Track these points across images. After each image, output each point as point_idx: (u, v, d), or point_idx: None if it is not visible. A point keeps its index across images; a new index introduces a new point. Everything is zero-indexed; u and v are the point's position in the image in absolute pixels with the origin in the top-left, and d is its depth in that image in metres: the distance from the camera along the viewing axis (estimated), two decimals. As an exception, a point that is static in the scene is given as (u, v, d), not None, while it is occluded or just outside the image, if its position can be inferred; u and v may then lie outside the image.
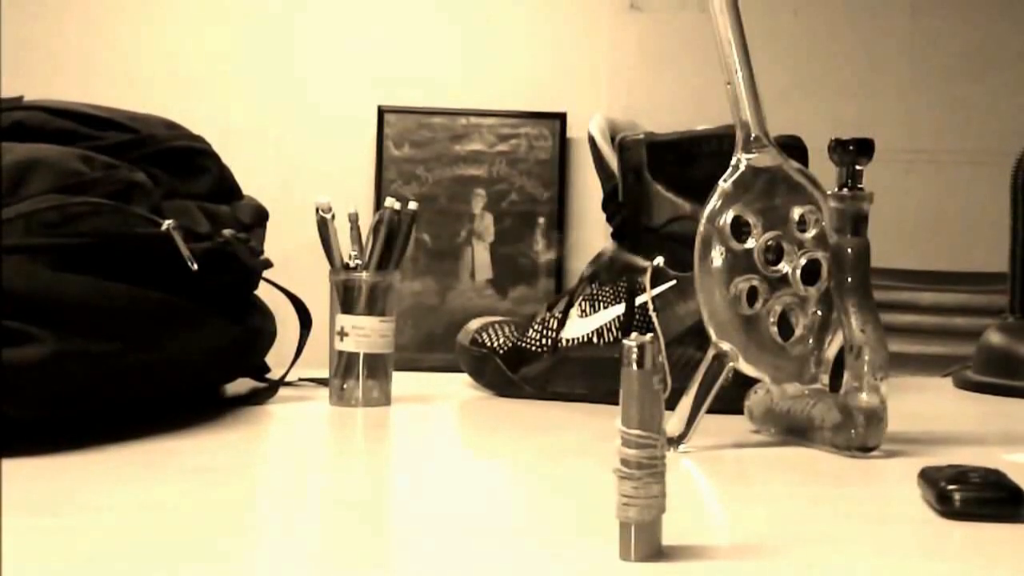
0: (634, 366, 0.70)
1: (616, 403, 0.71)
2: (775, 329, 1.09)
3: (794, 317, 1.10)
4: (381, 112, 3.22)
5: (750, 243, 1.09)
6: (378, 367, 1.28)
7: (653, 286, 1.28)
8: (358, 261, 1.29)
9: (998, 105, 3.23)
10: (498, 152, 3.22)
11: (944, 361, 2.22)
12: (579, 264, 3.01)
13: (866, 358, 1.04)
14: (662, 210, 1.31)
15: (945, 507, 0.82)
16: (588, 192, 3.15)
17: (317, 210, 1.29)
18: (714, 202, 1.09)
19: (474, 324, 1.46)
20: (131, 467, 0.97)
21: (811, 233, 1.10)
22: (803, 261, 1.10)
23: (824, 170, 1.11)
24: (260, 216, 1.33)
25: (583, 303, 1.36)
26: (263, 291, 1.32)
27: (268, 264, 1.31)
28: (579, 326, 1.35)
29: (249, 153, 2.86)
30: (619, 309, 1.33)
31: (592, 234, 3.09)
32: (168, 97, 2.92)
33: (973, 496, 0.82)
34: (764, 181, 1.10)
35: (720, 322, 1.08)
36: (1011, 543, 0.79)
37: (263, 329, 1.30)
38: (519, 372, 1.38)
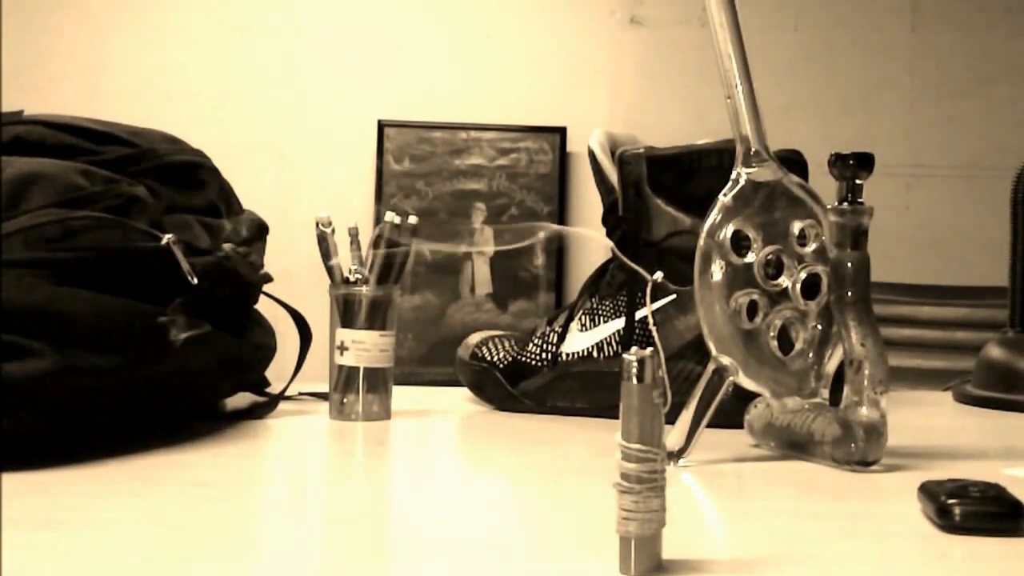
0: (634, 380, 0.70)
1: (616, 417, 0.71)
2: (775, 343, 1.09)
3: (794, 331, 1.10)
4: (381, 126, 3.22)
5: (750, 257, 1.09)
6: (378, 381, 1.28)
7: (653, 300, 1.28)
8: (358, 275, 1.29)
9: (998, 120, 3.23)
10: (498, 166, 3.23)
11: (944, 375, 2.22)
12: (579, 278, 3.01)
13: (866, 372, 1.04)
14: (662, 224, 1.31)
15: (945, 521, 0.82)
16: (588, 206, 3.15)
17: (317, 224, 1.29)
18: (714, 216, 1.09)
19: (474, 338, 1.46)
20: (131, 482, 0.96)
21: (811, 247, 1.10)
22: (803, 275, 1.10)
23: (824, 184, 1.11)
24: (260, 230, 1.32)
25: (583, 317, 1.36)
26: (263, 305, 1.32)
27: (268, 278, 1.31)
28: (579, 340, 1.35)
29: (249, 167, 2.87)
30: (619, 323, 1.33)
31: (592, 248, 3.09)
32: (168, 111, 2.93)
33: (973, 510, 0.82)
34: (764, 195, 1.10)
35: (720, 336, 1.08)
36: (1011, 557, 0.79)
37: (263, 343, 1.30)
38: (519, 386, 1.38)
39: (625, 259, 1.23)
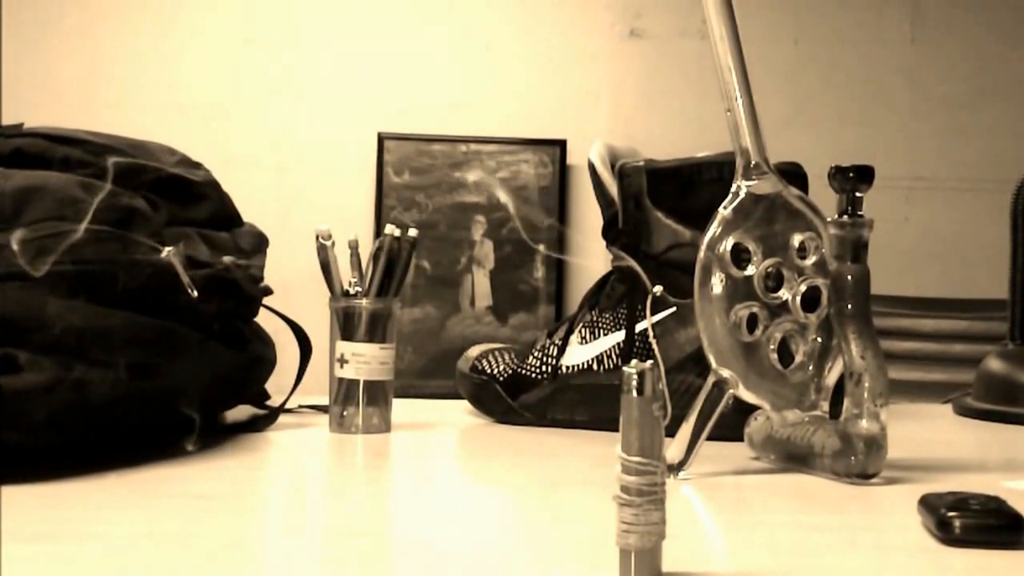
0: (634, 393, 0.70)
1: (616, 430, 0.71)
2: (775, 356, 1.09)
3: (794, 344, 1.10)
4: (381, 139, 3.22)
5: (750, 270, 1.09)
6: (378, 394, 1.28)
7: (653, 313, 1.28)
8: (358, 288, 1.29)
9: (997, 133, 3.23)
10: (498, 179, 3.22)
11: (944, 388, 2.22)
12: (579, 291, 3.01)
13: (866, 385, 1.04)
14: (662, 237, 1.31)
15: (945, 534, 0.82)
16: (588, 219, 3.15)
17: (317, 237, 1.29)
18: (714, 229, 1.09)
19: (474, 351, 1.46)
20: (130, 494, 0.96)
21: (811, 260, 1.10)
22: (803, 288, 1.10)
23: (824, 197, 1.11)
24: (260, 243, 1.33)
25: (583, 330, 1.36)
26: (263, 318, 1.32)
27: (268, 291, 1.31)
28: (579, 353, 1.35)
29: (249, 180, 2.87)
30: (619, 336, 1.33)
31: (592, 261, 3.09)
32: (169, 124, 2.94)
33: (973, 523, 0.82)
34: (764, 208, 1.10)
35: (720, 349, 1.08)
36: (1011, 570, 0.78)
37: (263, 356, 1.30)
38: (519, 399, 1.38)
39: (635, 265, 1.24)
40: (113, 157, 1.17)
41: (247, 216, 1.34)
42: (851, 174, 1.06)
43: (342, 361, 1.27)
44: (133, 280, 1.07)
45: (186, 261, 1.13)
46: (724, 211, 1.09)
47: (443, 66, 3.28)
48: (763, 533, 0.90)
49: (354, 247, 1.30)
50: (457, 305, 3.23)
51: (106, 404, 1.03)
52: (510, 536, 0.91)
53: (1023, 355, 1.56)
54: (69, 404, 0.99)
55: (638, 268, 1.28)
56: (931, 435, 1.42)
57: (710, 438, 1.08)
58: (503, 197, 3.17)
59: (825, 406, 1.10)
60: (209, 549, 0.81)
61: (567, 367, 1.36)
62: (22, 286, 0.99)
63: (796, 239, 1.10)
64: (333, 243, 1.30)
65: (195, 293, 1.11)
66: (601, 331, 1.35)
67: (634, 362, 0.71)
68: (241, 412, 1.32)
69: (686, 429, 1.08)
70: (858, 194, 1.06)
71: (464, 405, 1.45)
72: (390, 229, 1.30)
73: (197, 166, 1.28)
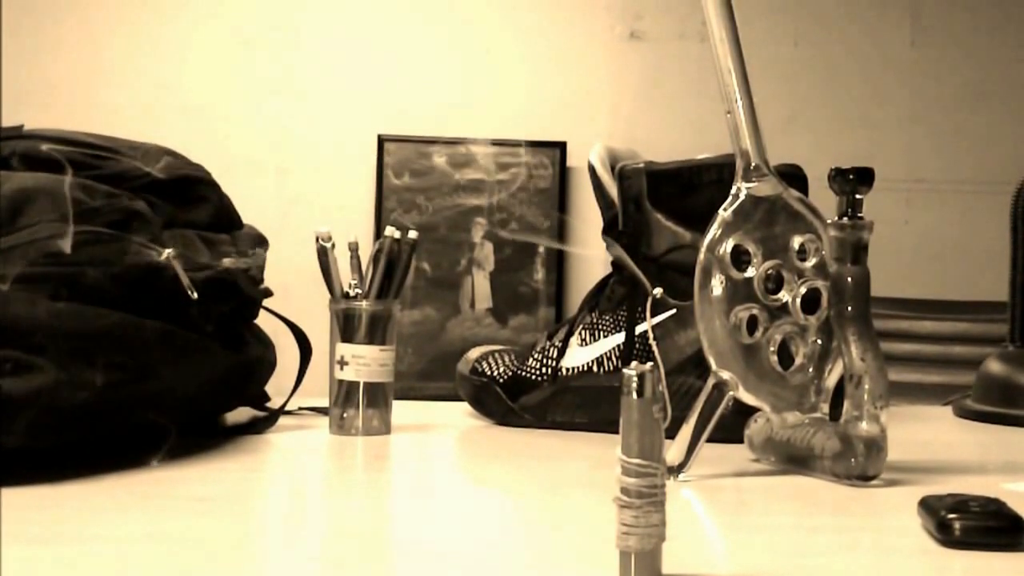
0: (634, 395, 0.70)
1: (616, 432, 0.71)
2: (775, 358, 1.09)
3: (794, 346, 1.09)
4: (381, 141, 3.22)
5: (750, 272, 1.09)
6: (378, 396, 1.28)
7: (653, 315, 1.28)
8: (358, 290, 1.29)
9: (998, 135, 3.23)
10: (498, 181, 3.22)
11: (944, 390, 2.22)
12: (579, 292, 3.01)
13: (866, 387, 1.04)
14: (662, 239, 1.31)
15: (945, 536, 0.82)
16: (588, 221, 3.15)
17: (317, 239, 1.29)
18: (714, 231, 1.09)
19: (474, 353, 1.46)
20: (130, 497, 0.96)
21: (811, 262, 1.10)
22: (803, 290, 1.10)
23: (824, 199, 1.11)
24: (260, 244, 1.32)
25: (583, 332, 1.36)
26: (263, 320, 1.32)
27: (268, 293, 1.31)
28: (579, 355, 1.35)
29: (249, 182, 2.87)
30: (619, 338, 1.33)
31: (592, 263, 3.09)
32: (168, 126, 2.94)
33: (973, 525, 0.82)
34: (764, 210, 1.10)
35: (720, 351, 1.08)
36: (1011, 572, 0.78)
37: (263, 358, 1.30)
38: (519, 401, 1.38)
39: (633, 265, 1.23)
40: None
41: (247, 218, 1.34)
42: (851, 176, 1.06)
43: (342, 363, 1.27)
44: (130, 282, 1.07)
45: (186, 263, 1.12)
46: (724, 213, 1.09)
47: (443, 68, 3.28)
48: (763, 535, 0.90)
49: (354, 249, 1.30)
50: (457, 307, 3.23)
51: (106, 406, 1.03)
52: (510, 538, 0.91)
53: (1023, 357, 1.56)
54: (70, 406, 0.99)
55: (633, 265, 1.28)
56: (931, 437, 1.42)
57: (710, 440, 1.08)
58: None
59: (825, 408, 1.10)
60: (209, 551, 0.81)
61: (567, 369, 1.36)
62: (23, 288, 0.99)
63: (796, 241, 1.10)
64: (333, 245, 1.30)
65: (195, 295, 1.11)
66: (601, 333, 1.35)
67: (634, 364, 0.71)
68: (241, 414, 1.32)
69: (686, 431, 1.08)
70: (858, 196, 1.06)
71: (464, 407, 1.45)
72: (390, 231, 1.30)
73: (197, 168, 1.28)
